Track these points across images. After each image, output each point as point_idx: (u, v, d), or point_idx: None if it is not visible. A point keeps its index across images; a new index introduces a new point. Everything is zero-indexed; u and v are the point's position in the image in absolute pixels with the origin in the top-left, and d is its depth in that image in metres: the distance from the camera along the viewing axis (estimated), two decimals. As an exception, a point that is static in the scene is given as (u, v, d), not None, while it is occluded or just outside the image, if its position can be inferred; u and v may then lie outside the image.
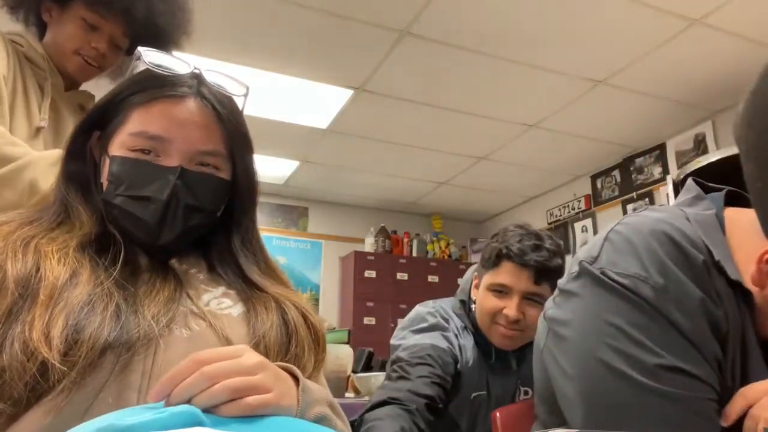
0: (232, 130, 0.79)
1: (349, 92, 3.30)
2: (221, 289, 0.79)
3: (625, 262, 0.70)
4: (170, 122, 0.75)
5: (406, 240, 5.39)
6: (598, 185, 4.46)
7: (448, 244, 5.49)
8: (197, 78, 0.80)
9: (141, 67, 0.80)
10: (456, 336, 1.39)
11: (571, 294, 0.75)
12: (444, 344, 1.34)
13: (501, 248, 1.34)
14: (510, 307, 1.31)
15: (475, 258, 5.49)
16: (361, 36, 2.76)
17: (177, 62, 0.80)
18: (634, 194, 4.10)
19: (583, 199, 4.58)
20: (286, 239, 5.10)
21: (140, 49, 0.79)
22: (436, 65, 3.01)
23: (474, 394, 1.36)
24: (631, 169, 4.14)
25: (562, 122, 3.63)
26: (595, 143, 3.97)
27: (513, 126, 3.71)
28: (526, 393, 1.41)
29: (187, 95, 0.77)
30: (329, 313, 4.99)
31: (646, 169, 4.02)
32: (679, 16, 2.59)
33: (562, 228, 4.74)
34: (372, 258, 5.03)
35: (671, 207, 0.80)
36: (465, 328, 1.43)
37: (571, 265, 0.79)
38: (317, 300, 5.06)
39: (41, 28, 1.30)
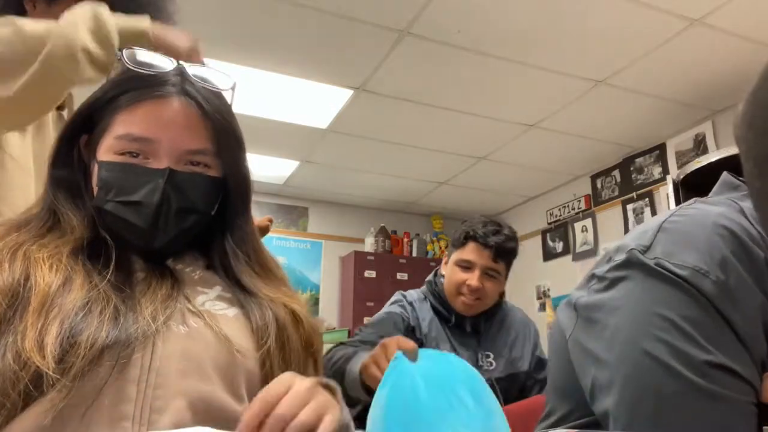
0: (219, 127, 0.78)
1: (349, 92, 3.30)
2: (217, 290, 0.78)
3: (683, 254, 0.67)
4: (155, 123, 0.74)
5: (406, 240, 5.39)
6: (598, 185, 4.46)
7: (448, 245, 5.50)
8: (181, 75, 0.78)
9: (123, 67, 0.79)
10: (410, 303, 1.69)
11: (615, 282, 0.72)
12: (397, 310, 1.65)
13: (468, 231, 1.66)
14: (473, 279, 1.62)
15: (475, 258, 5.50)
16: (361, 36, 2.76)
17: (159, 58, 0.79)
18: (634, 194, 4.10)
19: (583, 199, 4.58)
20: (286, 239, 5.10)
21: (122, 51, 0.79)
22: (436, 65, 3.01)
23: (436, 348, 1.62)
24: (631, 169, 4.14)
25: (562, 122, 3.62)
26: (595, 143, 3.97)
27: (513, 126, 3.71)
28: (487, 356, 1.67)
29: (172, 94, 0.76)
30: (329, 313, 4.99)
31: (646, 169, 4.02)
32: (679, 16, 2.59)
33: (562, 228, 4.74)
34: (372, 258, 5.03)
35: (726, 200, 0.76)
36: (424, 298, 1.72)
37: (611, 253, 0.76)
38: (317, 300, 5.06)
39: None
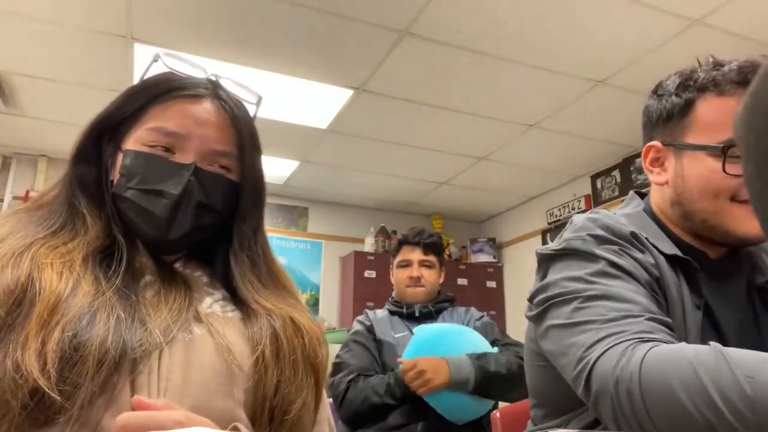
0: (246, 134, 0.81)
1: (349, 92, 3.30)
2: (223, 291, 0.79)
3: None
4: (188, 120, 0.76)
5: (406, 240, 5.38)
6: (598, 185, 4.45)
7: (448, 244, 5.49)
8: (213, 82, 0.82)
9: (157, 70, 0.81)
10: (367, 315, 2.09)
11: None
12: (357, 326, 2.03)
13: (400, 238, 2.17)
14: (412, 271, 2.07)
15: (475, 258, 5.49)
16: (361, 36, 2.76)
17: (193, 69, 0.82)
18: (634, 194, 4.09)
19: (583, 199, 4.58)
20: (286, 239, 5.10)
21: (158, 52, 0.82)
22: (436, 65, 3.01)
23: (397, 335, 1.97)
24: (631, 169, 4.14)
25: (562, 122, 3.62)
26: (595, 143, 3.97)
27: (513, 126, 3.71)
28: None
29: (204, 95, 0.79)
30: (329, 313, 4.99)
31: (646, 169, 4.02)
32: (679, 16, 2.59)
33: (562, 228, 4.72)
34: (372, 258, 5.03)
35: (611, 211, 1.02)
36: (383, 309, 2.13)
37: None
38: (317, 300, 5.05)
39: None
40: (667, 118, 0.95)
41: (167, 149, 0.75)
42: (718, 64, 0.93)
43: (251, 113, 0.85)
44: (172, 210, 0.74)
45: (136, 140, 0.76)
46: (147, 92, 0.78)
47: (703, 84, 0.92)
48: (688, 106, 0.93)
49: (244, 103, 0.84)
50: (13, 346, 0.58)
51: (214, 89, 0.80)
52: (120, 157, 0.76)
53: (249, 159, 0.81)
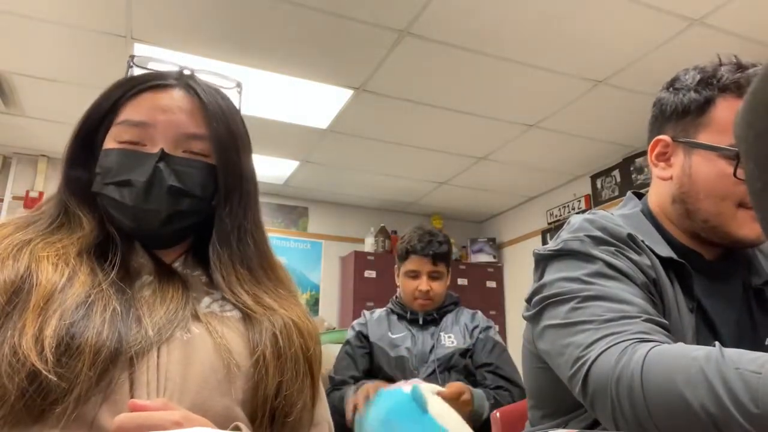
0: (216, 114, 0.79)
1: (349, 92, 3.30)
2: (221, 292, 0.79)
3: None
4: (154, 109, 0.77)
5: (406, 240, 5.37)
6: (598, 185, 4.45)
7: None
8: (184, 74, 0.82)
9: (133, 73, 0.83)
10: (363, 317, 2.08)
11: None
12: (351, 333, 2.03)
13: (407, 246, 2.02)
14: (422, 284, 1.98)
15: (475, 258, 5.49)
16: (361, 36, 2.76)
17: (167, 66, 0.83)
18: (634, 194, 4.09)
19: (583, 199, 4.58)
20: (286, 239, 5.10)
21: (133, 56, 0.83)
22: (436, 65, 3.01)
23: (394, 336, 1.96)
24: (631, 169, 4.14)
25: (562, 122, 3.62)
26: (595, 143, 3.97)
27: (513, 126, 3.71)
28: (449, 337, 1.98)
29: (173, 85, 0.79)
30: (329, 313, 4.99)
31: (646, 169, 4.02)
32: (679, 16, 2.59)
33: (562, 228, 4.73)
34: (372, 258, 5.03)
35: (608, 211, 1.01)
36: (384, 310, 2.10)
37: None
38: (317, 300, 5.05)
39: None
40: (683, 113, 0.93)
41: (138, 143, 0.76)
42: (741, 66, 0.91)
43: (235, 101, 0.85)
44: (142, 198, 0.73)
45: (111, 138, 0.77)
46: (119, 89, 0.79)
47: (726, 84, 0.90)
48: (706, 104, 0.91)
49: (226, 91, 0.84)
50: (11, 333, 0.60)
51: (184, 79, 0.81)
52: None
53: (221, 139, 0.79)
